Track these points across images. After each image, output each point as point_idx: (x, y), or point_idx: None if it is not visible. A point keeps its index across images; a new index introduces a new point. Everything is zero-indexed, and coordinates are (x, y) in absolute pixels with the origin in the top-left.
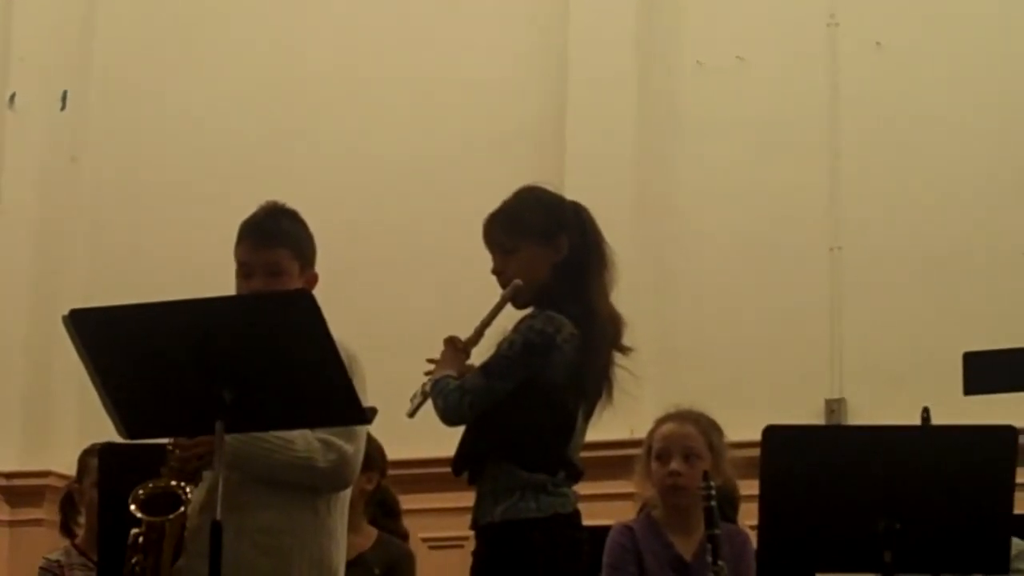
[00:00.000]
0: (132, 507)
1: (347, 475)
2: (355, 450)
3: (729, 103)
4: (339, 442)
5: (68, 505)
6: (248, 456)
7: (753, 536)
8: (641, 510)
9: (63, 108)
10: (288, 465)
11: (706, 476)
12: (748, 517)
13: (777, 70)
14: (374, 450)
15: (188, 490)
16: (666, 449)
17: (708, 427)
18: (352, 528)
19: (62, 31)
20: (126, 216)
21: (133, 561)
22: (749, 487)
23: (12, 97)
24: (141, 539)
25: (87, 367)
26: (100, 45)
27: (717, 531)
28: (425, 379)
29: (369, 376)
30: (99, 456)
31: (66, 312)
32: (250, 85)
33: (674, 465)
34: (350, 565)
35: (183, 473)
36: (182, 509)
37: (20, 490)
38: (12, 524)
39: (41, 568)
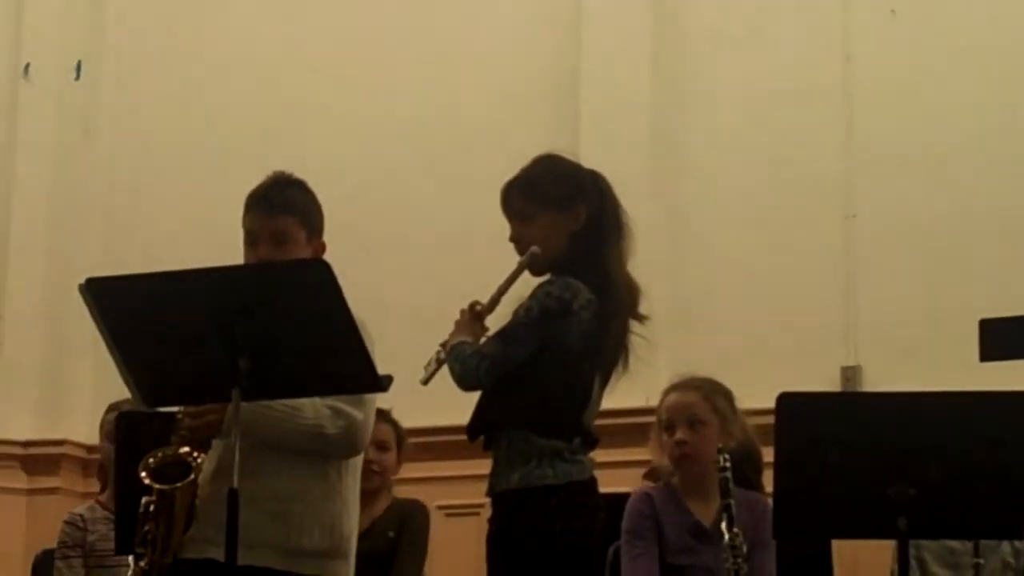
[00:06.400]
0: (142, 475)
1: (357, 441)
2: (364, 416)
3: (742, 73)
4: (348, 409)
5: (103, 473)
6: (257, 424)
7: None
8: (645, 477)
9: (77, 78)
10: (297, 432)
11: (720, 449)
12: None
13: (791, 38)
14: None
15: (198, 458)
16: (671, 419)
17: (712, 392)
18: (367, 502)
19: (75, 1)
20: (140, 186)
21: (145, 529)
22: (764, 455)
23: (27, 68)
24: (152, 507)
25: (103, 336)
26: (114, 15)
27: (731, 501)
28: (440, 346)
29: (382, 344)
30: (116, 424)
31: (82, 281)
32: (263, 54)
33: (679, 434)
34: (365, 535)
35: (193, 441)
36: (192, 477)
37: (37, 458)
38: (29, 492)
39: (65, 522)
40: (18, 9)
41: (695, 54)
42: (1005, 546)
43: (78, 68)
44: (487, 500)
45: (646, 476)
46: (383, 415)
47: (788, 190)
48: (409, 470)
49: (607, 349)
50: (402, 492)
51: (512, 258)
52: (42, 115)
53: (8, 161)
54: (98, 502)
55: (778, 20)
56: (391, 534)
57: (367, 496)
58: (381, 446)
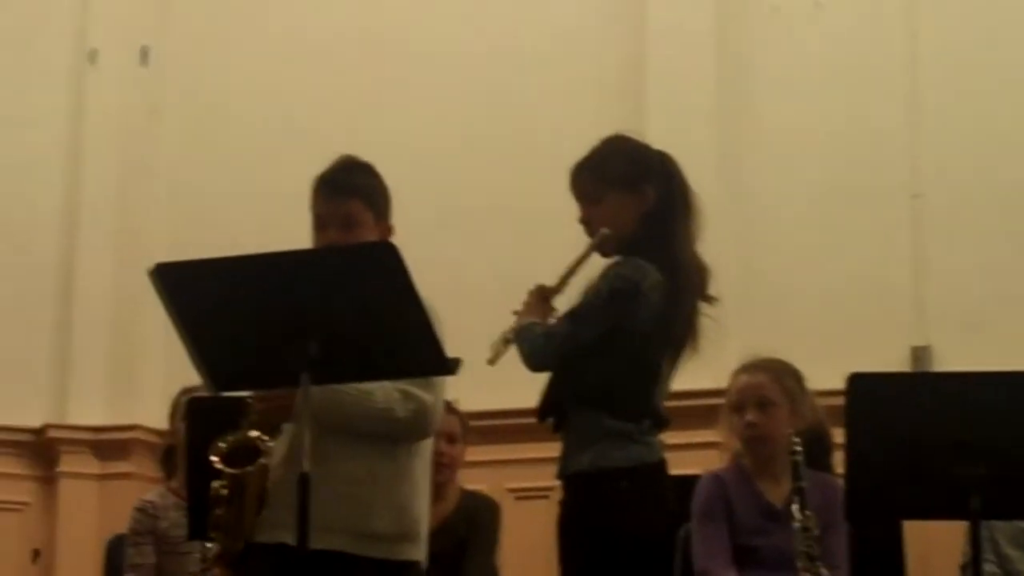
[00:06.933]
0: (213, 460)
1: (426, 424)
2: (434, 399)
3: (806, 49)
4: (418, 392)
5: (168, 461)
6: (327, 408)
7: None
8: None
9: (143, 63)
10: (367, 416)
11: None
12: (836, 465)
13: (855, 14)
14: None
15: (269, 442)
16: (741, 401)
17: (781, 373)
18: (437, 495)
19: None
20: (207, 170)
21: (217, 513)
22: (834, 436)
23: (93, 53)
24: (224, 491)
25: (173, 321)
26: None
27: (803, 484)
28: (507, 327)
29: (450, 327)
30: (186, 410)
31: (151, 266)
32: (329, 37)
33: (749, 416)
34: (436, 533)
35: (264, 425)
36: (262, 461)
37: (108, 444)
38: (101, 478)
39: (136, 508)
40: None
41: (759, 29)
42: None
43: (143, 53)
44: (557, 482)
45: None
46: (449, 406)
47: (855, 169)
48: (478, 453)
49: (676, 330)
50: (471, 476)
51: (581, 239)
52: (108, 101)
53: (76, 147)
54: (169, 488)
55: None
56: (461, 533)
57: (436, 488)
58: (449, 438)
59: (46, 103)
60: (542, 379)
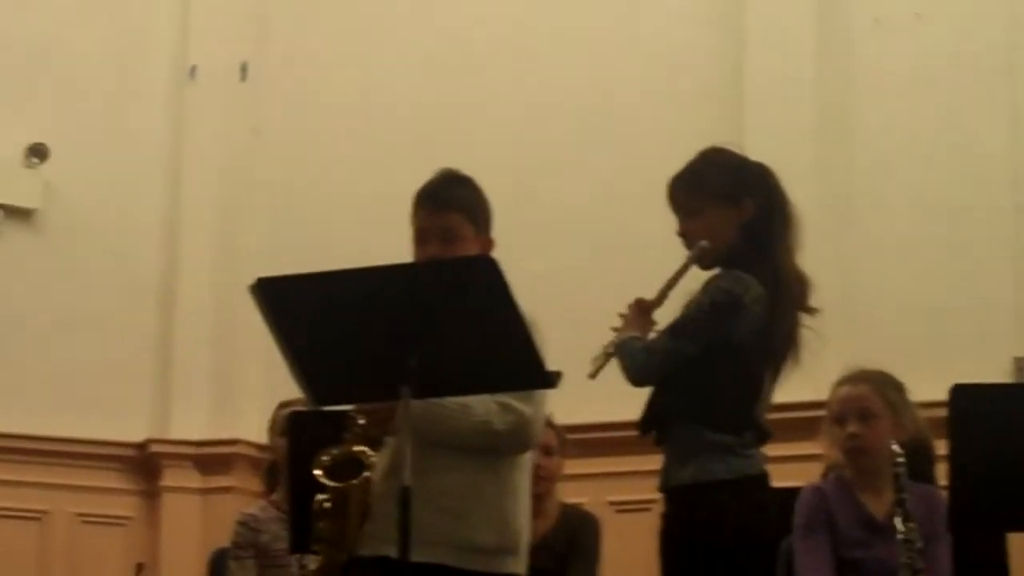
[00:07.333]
0: (317, 473)
1: (526, 437)
2: (534, 412)
3: (908, 61)
4: (517, 404)
5: (270, 476)
6: (427, 421)
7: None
8: (825, 474)
9: (243, 79)
10: (466, 429)
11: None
12: (938, 477)
13: (956, 26)
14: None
15: (372, 455)
16: (842, 412)
17: (883, 384)
18: (536, 512)
19: (240, 2)
20: (307, 185)
21: (321, 526)
22: (937, 447)
23: (193, 70)
24: (327, 504)
25: (274, 335)
26: (278, 16)
27: (905, 495)
28: (607, 340)
29: (549, 340)
30: (287, 424)
31: (252, 281)
32: (426, 51)
33: (851, 428)
34: (537, 549)
35: (366, 439)
36: (366, 474)
37: (210, 458)
38: (203, 492)
39: (238, 522)
40: (184, 13)
41: (860, 41)
42: None
43: (243, 69)
44: (659, 495)
45: (825, 475)
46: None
47: (956, 178)
48: (579, 466)
49: (778, 343)
50: (572, 489)
51: (679, 252)
52: (209, 117)
53: (176, 163)
54: (270, 502)
55: (942, 10)
56: (562, 549)
57: (535, 501)
58: (546, 450)
59: (146, 120)
60: (642, 391)
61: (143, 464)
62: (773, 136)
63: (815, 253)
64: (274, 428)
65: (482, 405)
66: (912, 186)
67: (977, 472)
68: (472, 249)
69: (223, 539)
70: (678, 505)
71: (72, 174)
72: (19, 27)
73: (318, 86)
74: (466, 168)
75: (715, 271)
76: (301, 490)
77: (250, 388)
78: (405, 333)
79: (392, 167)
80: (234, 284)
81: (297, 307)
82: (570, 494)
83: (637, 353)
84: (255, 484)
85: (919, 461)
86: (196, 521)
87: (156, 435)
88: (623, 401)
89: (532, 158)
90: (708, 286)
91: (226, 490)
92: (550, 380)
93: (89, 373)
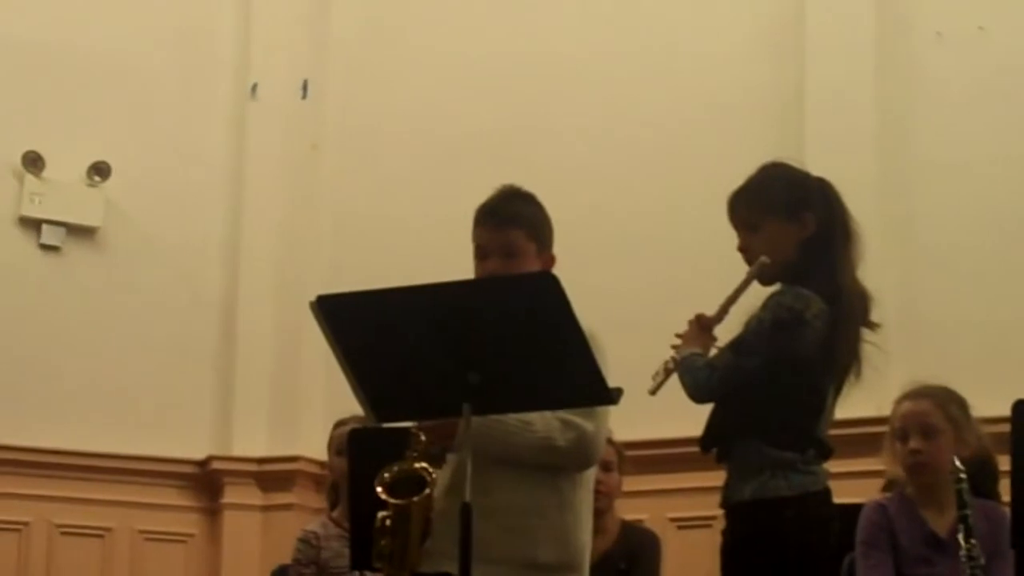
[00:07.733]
0: (379, 490)
1: (588, 454)
2: (595, 428)
3: (970, 74)
4: (578, 420)
5: (332, 491)
6: (488, 438)
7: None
8: (884, 489)
9: (304, 97)
10: (527, 445)
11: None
12: (1002, 493)
13: (1020, 38)
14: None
15: (433, 472)
16: (904, 428)
17: (946, 400)
18: (596, 529)
19: (301, 20)
20: (369, 201)
21: (382, 543)
22: (1001, 463)
23: (254, 87)
24: (388, 521)
25: (335, 352)
26: (338, 33)
27: (968, 512)
28: (668, 357)
29: (610, 356)
30: (348, 441)
31: (313, 298)
32: (489, 68)
33: (913, 443)
34: (597, 566)
35: (428, 456)
36: (428, 491)
37: (271, 475)
38: (264, 509)
39: (299, 539)
40: (245, 30)
41: (922, 54)
42: None
43: (304, 86)
44: (720, 511)
45: (884, 490)
46: None
47: (1019, 192)
48: (640, 483)
49: (840, 358)
50: (633, 505)
51: (741, 268)
52: (270, 134)
53: (238, 180)
54: (331, 519)
55: (1006, 22)
56: (622, 566)
57: (595, 517)
58: (605, 466)
59: (208, 137)
60: (703, 408)
61: (205, 481)
62: (834, 150)
63: (876, 268)
64: (331, 447)
65: (543, 422)
66: (974, 200)
67: None
68: (533, 265)
69: (284, 556)
70: (740, 522)
71: (134, 192)
72: (81, 46)
73: (379, 103)
74: (529, 185)
75: (776, 287)
76: (362, 507)
77: (311, 405)
78: (466, 350)
79: (454, 184)
80: (295, 301)
81: (357, 324)
82: (631, 510)
83: (698, 370)
84: (316, 501)
85: (982, 477)
86: (257, 538)
87: (218, 452)
88: (683, 417)
89: (595, 175)
90: (769, 302)
91: (287, 507)
92: (612, 397)
93: (151, 390)
